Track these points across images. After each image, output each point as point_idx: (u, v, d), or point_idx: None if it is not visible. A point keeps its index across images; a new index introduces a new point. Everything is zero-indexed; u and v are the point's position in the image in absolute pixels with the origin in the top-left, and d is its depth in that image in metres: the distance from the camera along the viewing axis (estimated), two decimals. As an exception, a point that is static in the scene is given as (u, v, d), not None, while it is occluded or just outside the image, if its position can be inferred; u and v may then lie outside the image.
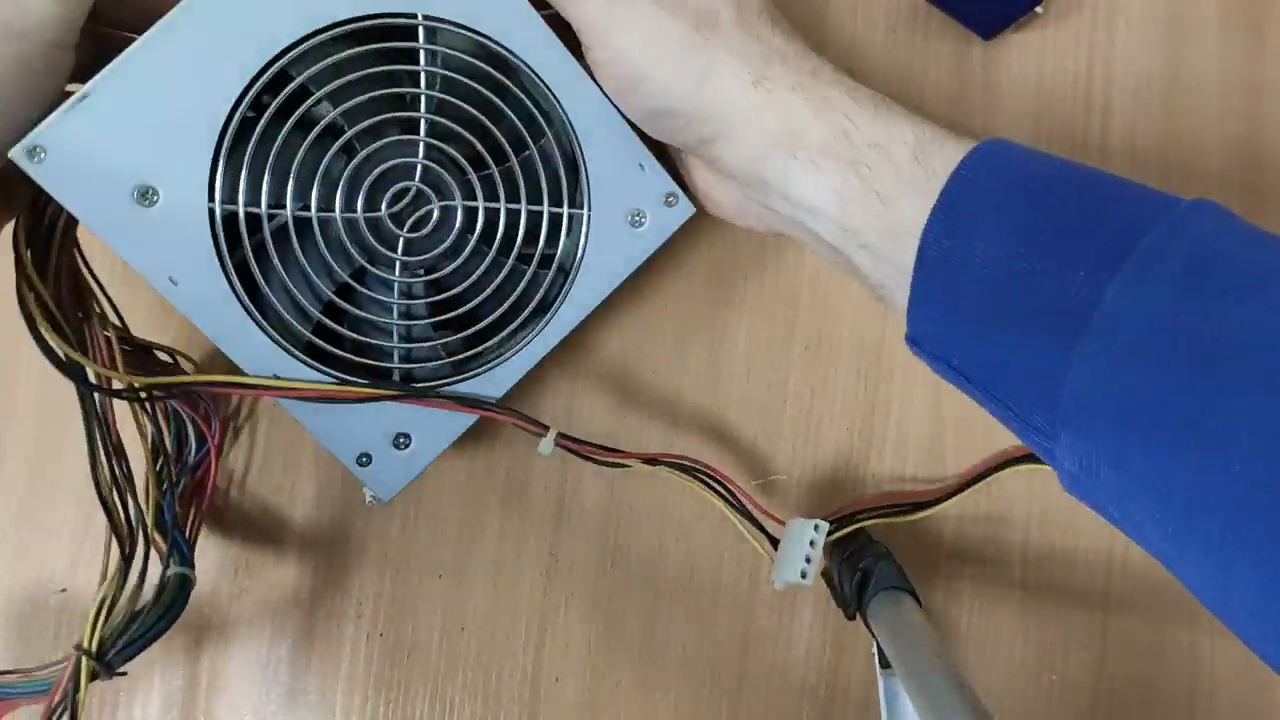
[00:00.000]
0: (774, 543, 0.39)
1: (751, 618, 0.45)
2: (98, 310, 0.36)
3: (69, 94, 0.32)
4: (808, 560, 0.37)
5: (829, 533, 0.38)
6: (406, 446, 0.36)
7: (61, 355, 0.33)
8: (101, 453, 0.36)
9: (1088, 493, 0.31)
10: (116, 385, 0.36)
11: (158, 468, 0.39)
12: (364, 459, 0.36)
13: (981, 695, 0.33)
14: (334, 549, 0.44)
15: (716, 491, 0.39)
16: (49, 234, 0.34)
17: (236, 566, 0.44)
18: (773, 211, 0.36)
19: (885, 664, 0.39)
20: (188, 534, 0.39)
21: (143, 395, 0.36)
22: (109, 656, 0.35)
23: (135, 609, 0.36)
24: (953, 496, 0.44)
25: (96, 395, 0.36)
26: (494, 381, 0.37)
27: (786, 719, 0.44)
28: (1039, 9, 0.44)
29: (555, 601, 0.44)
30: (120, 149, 0.32)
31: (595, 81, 0.36)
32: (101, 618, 0.35)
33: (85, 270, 0.36)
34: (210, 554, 0.43)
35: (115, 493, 0.36)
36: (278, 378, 0.35)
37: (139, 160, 0.32)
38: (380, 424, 0.36)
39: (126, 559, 0.36)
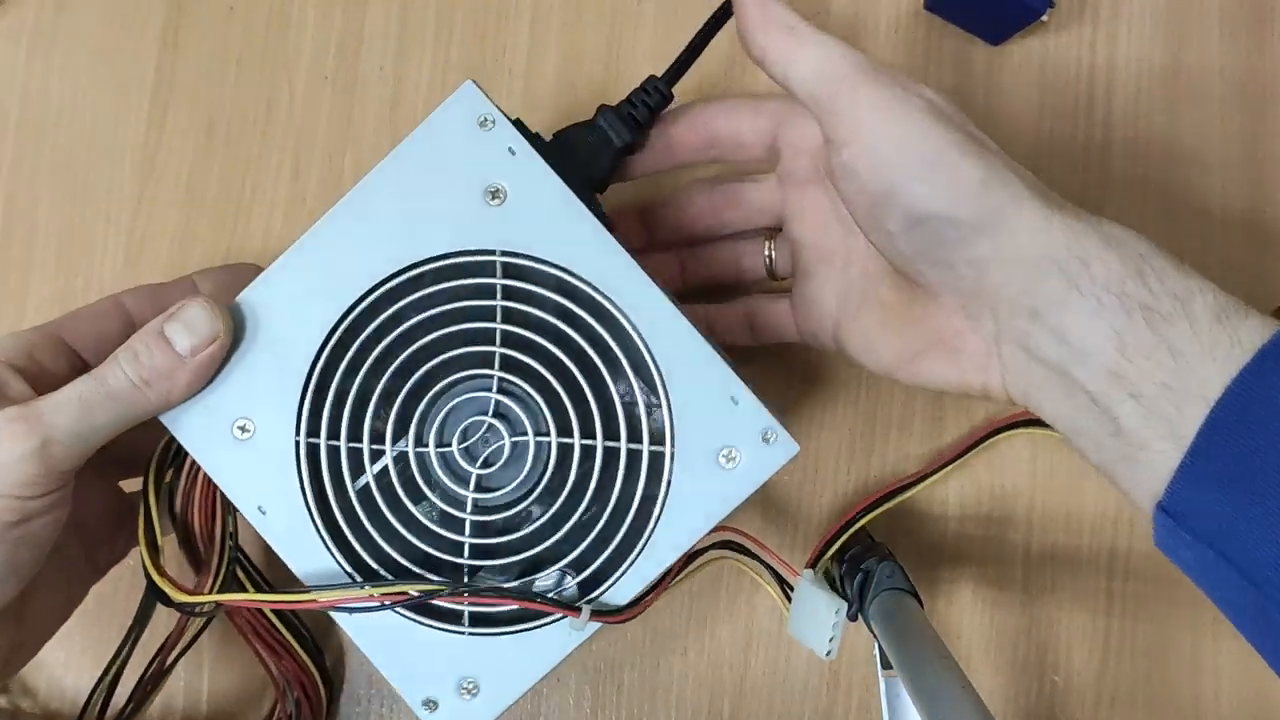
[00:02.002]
0: (782, 583, 0.40)
1: (753, 618, 0.45)
2: (219, 539, 0.36)
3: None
4: (831, 640, 0.37)
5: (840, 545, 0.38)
6: (474, 695, 0.35)
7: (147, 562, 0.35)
8: (124, 654, 0.38)
9: None
10: (182, 600, 0.35)
11: None
12: (430, 704, 0.35)
13: (984, 696, 0.33)
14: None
15: (731, 545, 0.40)
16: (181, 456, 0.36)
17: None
18: (1027, 354, 0.32)
19: (887, 665, 0.39)
20: None
21: (201, 609, 0.36)
22: None
23: None
24: (947, 466, 0.43)
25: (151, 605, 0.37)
26: (567, 628, 0.35)
27: (788, 720, 0.44)
28: (1045, 17, 0.44)
29: (556, 602, 0.44)
30: (224, 386, 0.34)
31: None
32: None
33: (219, 501, 0.36)
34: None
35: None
36: (333, 588, 0.34)
37: (239, 396, 0.34)
38: (448, 668, 0.35)
39: None
